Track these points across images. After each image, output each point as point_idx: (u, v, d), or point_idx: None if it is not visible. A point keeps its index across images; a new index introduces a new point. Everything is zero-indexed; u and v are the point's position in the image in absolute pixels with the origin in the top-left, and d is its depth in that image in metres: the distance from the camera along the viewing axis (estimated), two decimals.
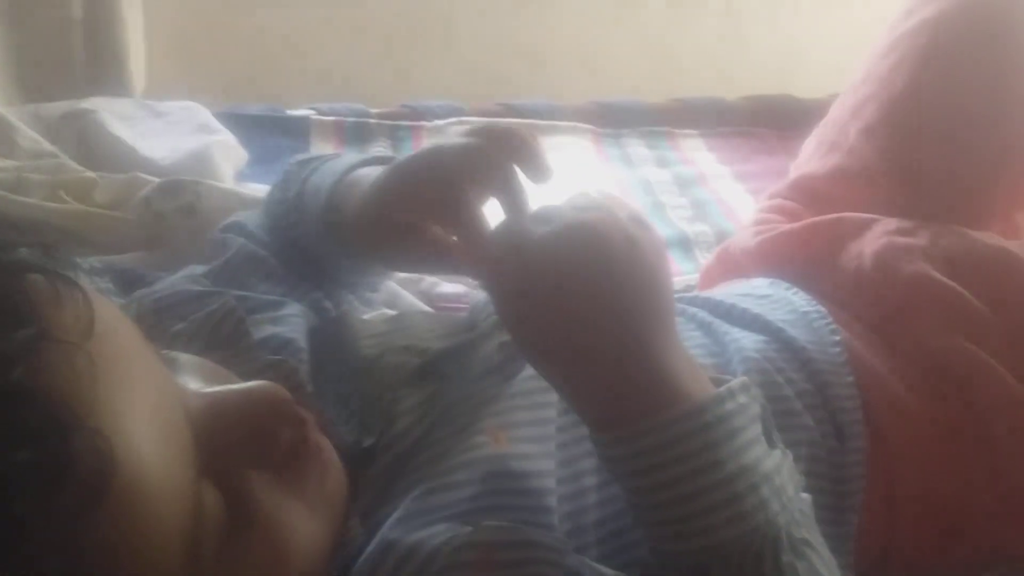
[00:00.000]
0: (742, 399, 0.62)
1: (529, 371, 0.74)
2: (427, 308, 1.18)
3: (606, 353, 0.62)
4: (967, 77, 1.07)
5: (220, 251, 0.91)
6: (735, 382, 0.63)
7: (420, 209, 0.72)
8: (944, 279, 0.92)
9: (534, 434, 0.70)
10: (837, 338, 0.90)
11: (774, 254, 1.05)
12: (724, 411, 0.61)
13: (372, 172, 0.80)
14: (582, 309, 0.62)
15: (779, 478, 0.61)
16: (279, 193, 0.93)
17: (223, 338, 0.78)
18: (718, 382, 0.64)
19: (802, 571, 0.59)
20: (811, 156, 1.18)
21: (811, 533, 0.62)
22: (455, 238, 0.72)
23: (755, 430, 0.62)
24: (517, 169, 0.68)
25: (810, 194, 1.14)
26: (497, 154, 0.68)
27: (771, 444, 0.63)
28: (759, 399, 0.64)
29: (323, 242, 0.85)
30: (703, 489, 0.59)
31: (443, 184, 0.69)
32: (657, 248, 0.65)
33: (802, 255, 1.03)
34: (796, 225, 1.07)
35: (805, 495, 0.64)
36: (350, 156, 0.89)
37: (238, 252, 0.90)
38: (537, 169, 0.69)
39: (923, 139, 1.07)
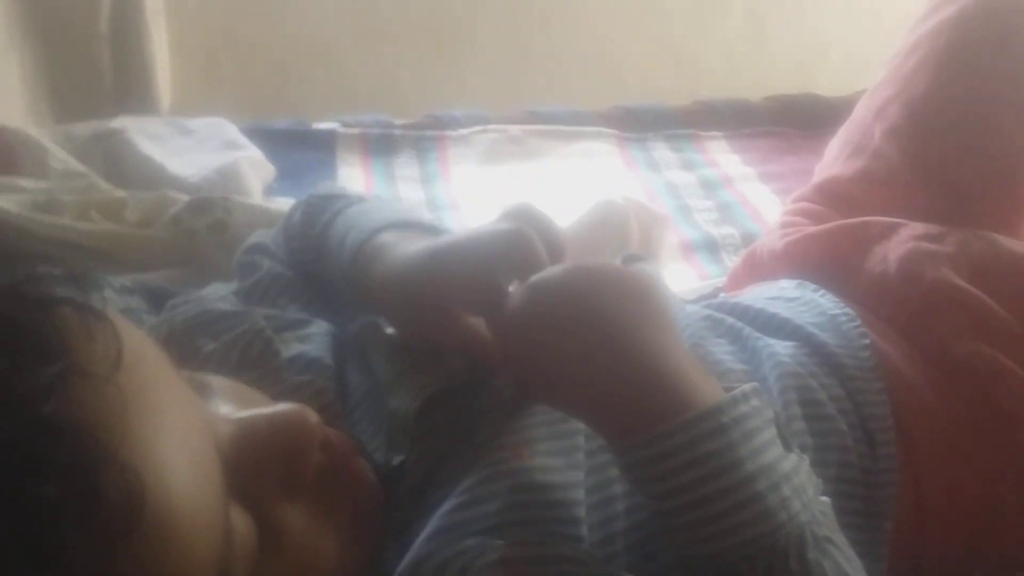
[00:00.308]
0: (755, 402, 0.63)
1: None
2: None
3: (615, 370, 0.63)
4: (988, 76, 1.06)
5: (247, 272, 0.92)
6: (747, 387, 0.63)
7: (456, 298, 0.74)
8: (967, 286, 0.91)
9: (557, 447, 0.70)
10: (866, 341, 0.90)
11: (800, 256, 1.05)
12: (739, 413, 0.61)
13: (400, 242, 0.81)
14: (586, 335, 0.63)
15: (798, 478, 0.61)
16: (300, 227, 0.94)
17: (253, 358, 0.78)
18: (729, 390, 0.64)
19: (828, 568, 0.59)
20: (835, 158, 1.18)
21: (833, 532, 0.62)
22: (485, 327, 0.74)
23: (770, 433, 0.62)
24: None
25: (835, 197, 1.13)
26: (534, 240, 0.71)
27: (787, 448, 0.63)
28: (771, 405, 0.65)
29: (343, 290, 0.86)
30: (724, 490, 0.59)
31: (482, 274, 0.70)
32: (646, 273, 0.67)
33: (828, 257, 1.02)
34: (822, 228, 1.07)
35: (824, 498, 0.64)
36: (375, 208, 0.89)
37: (267, 273, 0.91)
38: (556, 247, 0.73)
39: (947, 140, 1.06)
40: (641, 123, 1.82)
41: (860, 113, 1.17)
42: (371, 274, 0.80)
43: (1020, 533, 0.85)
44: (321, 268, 0.90)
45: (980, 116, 1.06)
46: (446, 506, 0.66)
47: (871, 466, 0.83)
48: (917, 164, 1.06)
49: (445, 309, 0.75)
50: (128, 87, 1.93)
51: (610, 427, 0.64)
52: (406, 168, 1.65)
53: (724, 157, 1.74)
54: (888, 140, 1.09)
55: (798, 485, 0.61)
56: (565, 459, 0.70)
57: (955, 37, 1.09)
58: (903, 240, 0.98)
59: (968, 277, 0.92)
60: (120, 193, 1.31)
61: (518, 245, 0.71)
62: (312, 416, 0.62)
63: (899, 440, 0.85)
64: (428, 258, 0.76)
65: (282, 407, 0.63)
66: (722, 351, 0.87)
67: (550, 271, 0.67)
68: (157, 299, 0.93)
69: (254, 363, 0.78)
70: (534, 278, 0.66)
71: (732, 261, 1.35)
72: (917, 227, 0.99)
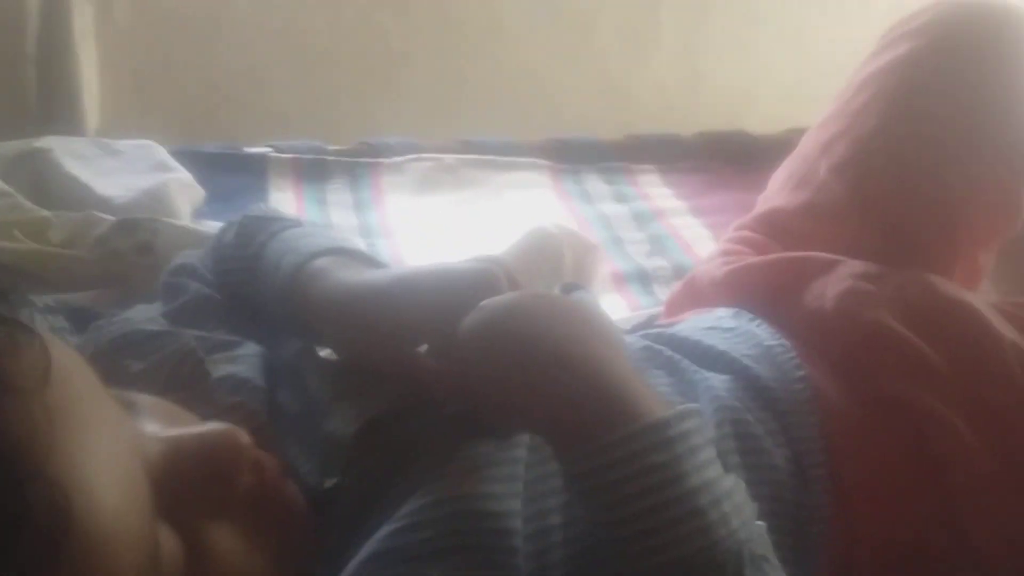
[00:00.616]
0: (695, 422, 0.64)
1: None
2: None
3: (564, 382, 0.64)
4: (935, 119, 1.07)
5: (173, 294, 0.91)
6: (689, 406, 0.64)
7: (416, 325, 0.75)
8: (902, 330, 0.92)
9: (502, 473, 0.70)
10: (801, 373, 0.90)
11: (740, 285, 1.05)
12: (685, 428, 0.62)
13: (340, 268, 0.81)
14: (534, 350, 0.66)
15: (738, 497, 0.62)
16: (233, 247, 0.92)
17: (182, 379, 0.78)
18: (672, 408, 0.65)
19: None
20: (780, 189, 1.18)
21: (769, 553, 0.63)
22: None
23: (712, 451, 0.63)
24: None
25: (777, 228, 1.14)
26: (502, 281, 0.74)
27: (725, 469, 0.64)
28: (706, 428, 0.67)
29: (275, 312, 0.85)
30: (666, 503, 0.59)
31: (450, 306, 0.71)
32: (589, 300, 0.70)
33: (767, 289, 1.03)
34: (763, 259, 1.07)
35: (760, 522, 0.64)
36: (312, 233, 0.90)
37: (194, 295, 0.90)
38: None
39: (891, 180, 1.07)
40: (575, 155, 1.83)
41: (807, 146, 1.17)
42: (309, 297, 0.80)
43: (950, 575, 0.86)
44: (252, 289, 0.88)
45: (924, 159, 1.07)
46: (384, 531, 0.65)
47: (804, 501, 0.83)
48: (860, 202, 1.07)
49: (397, 335, 0.75)
50: (54, 109, 1.90)
51: (558, 438, 0.65)
52: (339, 194, 1.64)
53: (656, 191, 1.76)
54: (833, 175, 1.09)
55: (738, 503, 0.62)
56: (505, 487, 0.69)
57: (905, 78, 1.10)
58: (841, 277, 0.99)
59: (903, 320, 0.93)
60: (44, 213, 1.28)
61: (488, 283, 0.73)
62: (243, 437, 0.62)
63: (832, 476, 0.85)
64: (390, 284, 0.77)
65: (212, 427, 0.63)
66: (660, 383, 0.87)
67: (500, 296, 0.70)
68: (81, 320, 0.92)
69: (183, 384, 0.77)
70: (485, 302, 0.68)
71: (664, 293, 1.36)
72: (856, 265, 1.00)
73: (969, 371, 0.91)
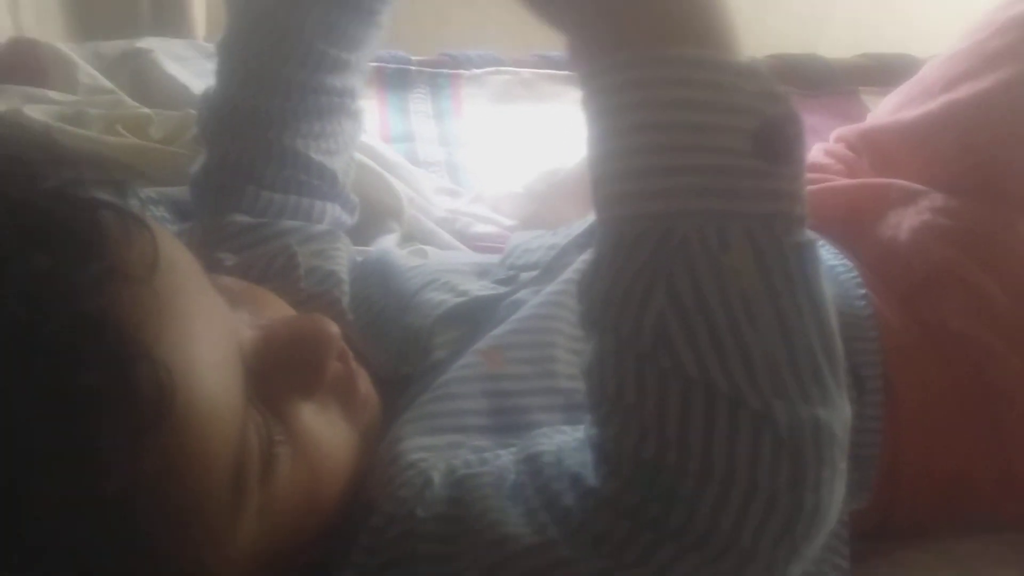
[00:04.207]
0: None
1: (540, 301, 0.74)
2: (464, 248, 1.19)
3: None
4: None
5: None
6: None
7: None
8: (974, 269, 0.88)
9: (529, 356, 0.70)
10: (863, 292, 0.86)
11: (818, 207, 0.93)
12: (746, 68, 0.55)
13: None
14: None
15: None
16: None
17: (274, 272, 0.81)
18: None
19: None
20: (893, 110, 1.07)
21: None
22: None
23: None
24: None
25: (872, 144, 1.05)
26: None
27: None
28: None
29: None
30: (690, 146, 0.53)
31: None
32: None
33: (844, 214, 0.97)
34: (846, 183, 1.02)
35: None
36: None
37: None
38: None
39: (1007, 139, 0.95)
40: None
41: (929, 77, 1.05)
42: None
43: (989, 506, 0.86)
44: None
45: None
46: (414, 409, 0.68)
47: (858, 412, 0.77)
48: (968, 147, 0.97)
49: None
50: (164, 14, 1.90)
51: (607, 35, 0.55)
52: (420, 103, 1.64)
53: None
54: (948, 112, 0.99)
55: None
56: (535, 368, 0.70)
57: None
58: (920, 210, 0.93)
59: (978, 260, 0.89)
60: (146, 110, 1.30)
61: None
62: (332, 326, 0.63)
63: (885, 396, 0.82)
64: None
65: (305, 317, 0.65)
66: None
67: None
68: (182, 212, 0.94)
69: (274, 276, 0.80)
70: None
71: None
72: (937, 199, 0.94)
73: None
